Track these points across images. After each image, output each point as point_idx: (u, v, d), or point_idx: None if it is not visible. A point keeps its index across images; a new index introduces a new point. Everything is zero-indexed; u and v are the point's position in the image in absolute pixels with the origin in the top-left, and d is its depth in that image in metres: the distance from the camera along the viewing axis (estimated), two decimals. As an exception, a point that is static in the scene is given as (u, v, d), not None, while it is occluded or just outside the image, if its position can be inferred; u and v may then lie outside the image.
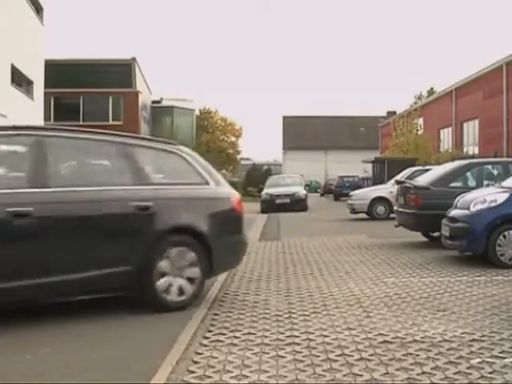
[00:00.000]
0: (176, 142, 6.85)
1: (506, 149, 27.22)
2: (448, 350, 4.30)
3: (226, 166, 63.40)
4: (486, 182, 10.84)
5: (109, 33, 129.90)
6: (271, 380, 3.74)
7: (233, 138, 64.48)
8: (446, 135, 37.35)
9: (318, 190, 54.26)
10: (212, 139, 59.82)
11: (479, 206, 8.44)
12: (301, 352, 4.31)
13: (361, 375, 3.78)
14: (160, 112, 48.78)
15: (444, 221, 9.08)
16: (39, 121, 27.35)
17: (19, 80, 24.33)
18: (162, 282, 5.67)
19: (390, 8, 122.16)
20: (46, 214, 5.21)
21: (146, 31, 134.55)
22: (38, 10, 27.05)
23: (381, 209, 18.92)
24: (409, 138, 34.25)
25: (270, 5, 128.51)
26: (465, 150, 33.40)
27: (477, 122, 32.07)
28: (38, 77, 26.88)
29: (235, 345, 4.51)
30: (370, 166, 35.32)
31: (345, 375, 3.80)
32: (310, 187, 47.03)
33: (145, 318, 5.55)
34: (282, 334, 4.82)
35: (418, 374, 3.78)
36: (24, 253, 5.07)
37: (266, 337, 4.73)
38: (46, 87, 28.83)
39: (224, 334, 4.82)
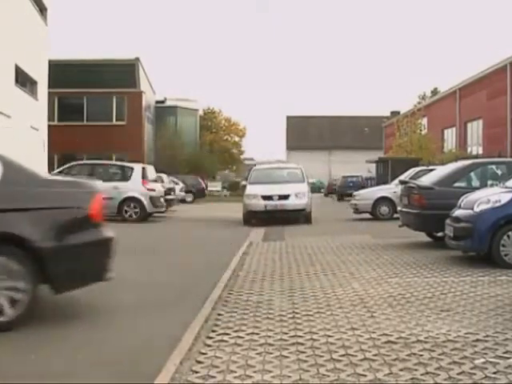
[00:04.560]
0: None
1: (509, 149, 27.17)
2: (452, 350, 4.30)
3: (229, 165, 63.53)
4: (489, 182, 10.82)
5: (112, 33, 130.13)
6: (275, 380, 3.74)
7: (236, 138, 64.64)
8: (450, 135, 37.29)
9: (322, 190, 54.35)
10: (215, 139, 59.97)
11: (483, 206, 8.42)
12: (304, 352, 4.30)
13: (364, 375, 3.78)
14: (164, 112, 48.84)
15: (448, 221, 9.07)
16: (43, 121, 27.44)
17: (23, 80, 24.37)
18: None
19: (394, 7, 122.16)
20: None
21: (150, 31, 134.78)
22: (42, 10, 27.09)
23: (384, 209, 18.89)
24: (412, 138, 34.24)
25: (269, 5, 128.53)
26: (469, 150, 33.34)
27: (481, 122, 32.01)
28: (41, 77, 26.91)
29: (239, 345, 4.51)
30: (373, 166, 35.31)
31: (348, 375, 3.80)
32: (314, 187, 47.05)
33: (148, 317, 5.56)
34: (286, 334, 4.82)
35: (421, 375, 3.78)
36: None
37: (270, 337, 4.73)
38: (49, 87, 28.87)
39: (228, 334, 4.82)
